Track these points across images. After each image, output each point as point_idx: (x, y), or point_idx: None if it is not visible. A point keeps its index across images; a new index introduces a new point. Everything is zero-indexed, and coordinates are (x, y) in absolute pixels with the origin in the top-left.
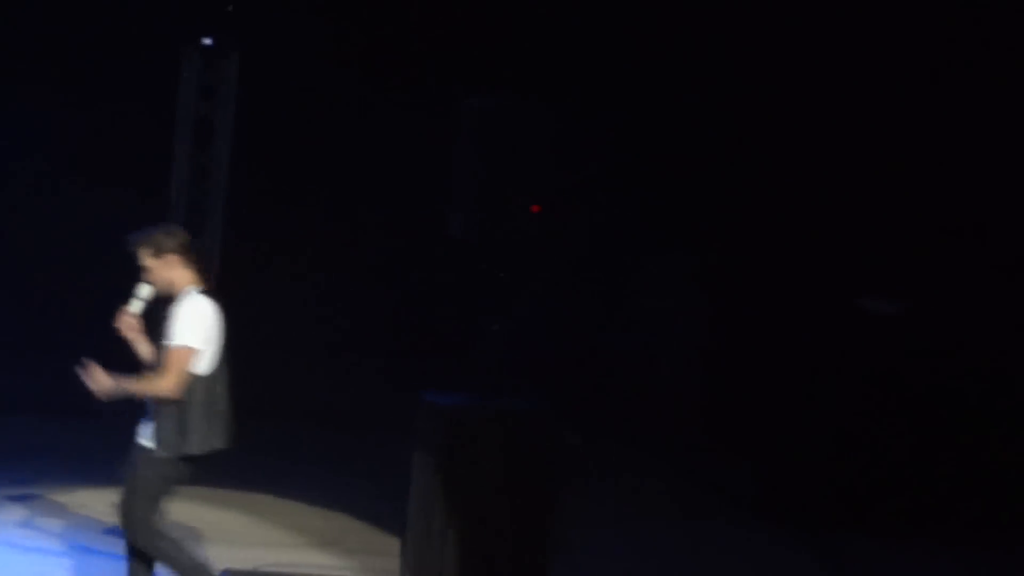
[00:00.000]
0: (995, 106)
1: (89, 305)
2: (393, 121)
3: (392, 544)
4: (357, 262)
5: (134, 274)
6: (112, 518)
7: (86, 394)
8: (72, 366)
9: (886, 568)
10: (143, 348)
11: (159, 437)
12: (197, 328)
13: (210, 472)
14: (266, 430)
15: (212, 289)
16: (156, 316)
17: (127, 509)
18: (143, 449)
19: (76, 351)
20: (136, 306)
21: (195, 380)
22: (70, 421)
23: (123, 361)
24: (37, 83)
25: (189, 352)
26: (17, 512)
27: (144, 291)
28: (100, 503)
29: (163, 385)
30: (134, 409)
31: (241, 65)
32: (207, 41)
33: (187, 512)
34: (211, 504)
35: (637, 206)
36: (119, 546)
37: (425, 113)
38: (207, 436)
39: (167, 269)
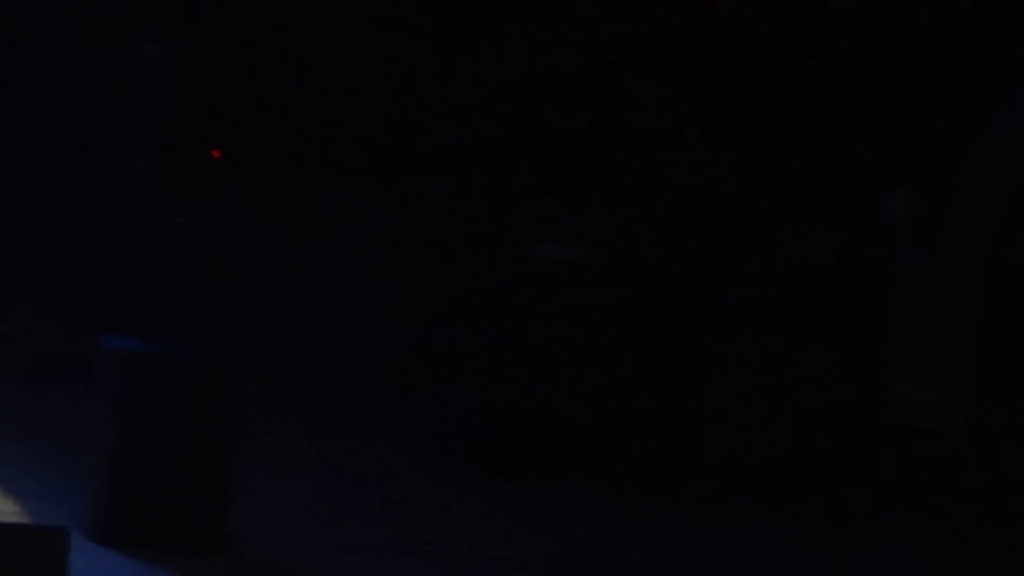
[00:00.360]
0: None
1: None
2: (68, 68)
3: (70, 490)
4: (35, 208)
5: None
6: None
7: None
8: None
9: (570, 515)
10: None
11: None
12: None
13: None
14: None
15: None
16: None
17: None
18: None
19: None
20: None
21: None
22: None
23: None
24: None
25: None
26: None
27: None
28: None
29: None
30: None
31: None
32: None
33: None
34: None
35: (319, 156)
36: None
37: (100, 60)
38: None
39: None
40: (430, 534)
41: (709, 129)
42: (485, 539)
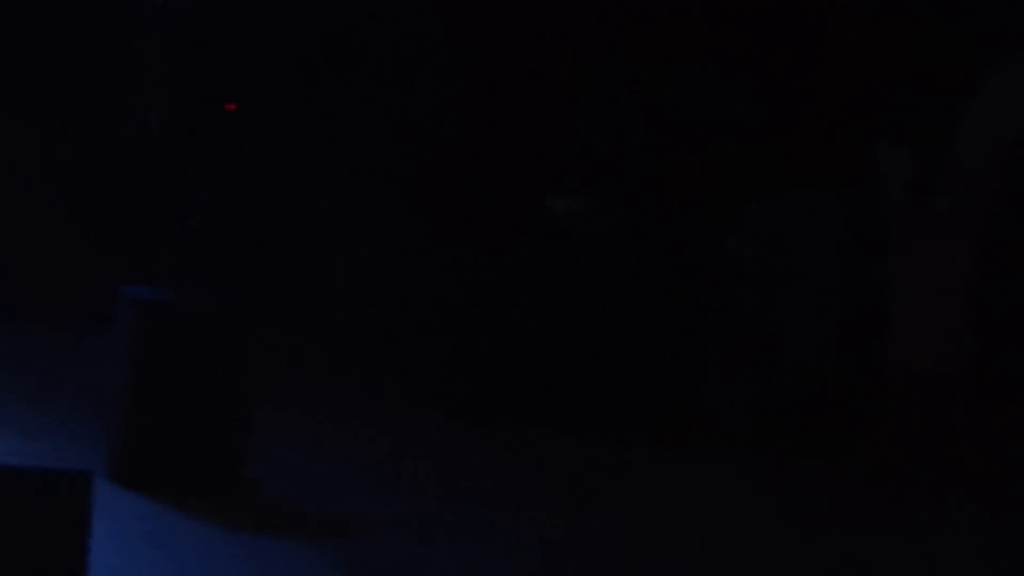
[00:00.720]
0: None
1: None
2: (86, 19)
3: (92, 435)
4: (66, 164)
5: None
6: None
7: None
8: None
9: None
10: None
11: None
12: None
13: None
14: None
15: None
16: None
17: None
18: None
19: None
20: None
21: None
22: None
23: None
24: None
25: None
26: None
27: None
28: None
29: None
30: None
31: None
32: None
33: None
34: None
35: (330, 108)
36: None
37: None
38: None
39: None
40: (439, 478)
41: (714, 91)
42: (490, 482)
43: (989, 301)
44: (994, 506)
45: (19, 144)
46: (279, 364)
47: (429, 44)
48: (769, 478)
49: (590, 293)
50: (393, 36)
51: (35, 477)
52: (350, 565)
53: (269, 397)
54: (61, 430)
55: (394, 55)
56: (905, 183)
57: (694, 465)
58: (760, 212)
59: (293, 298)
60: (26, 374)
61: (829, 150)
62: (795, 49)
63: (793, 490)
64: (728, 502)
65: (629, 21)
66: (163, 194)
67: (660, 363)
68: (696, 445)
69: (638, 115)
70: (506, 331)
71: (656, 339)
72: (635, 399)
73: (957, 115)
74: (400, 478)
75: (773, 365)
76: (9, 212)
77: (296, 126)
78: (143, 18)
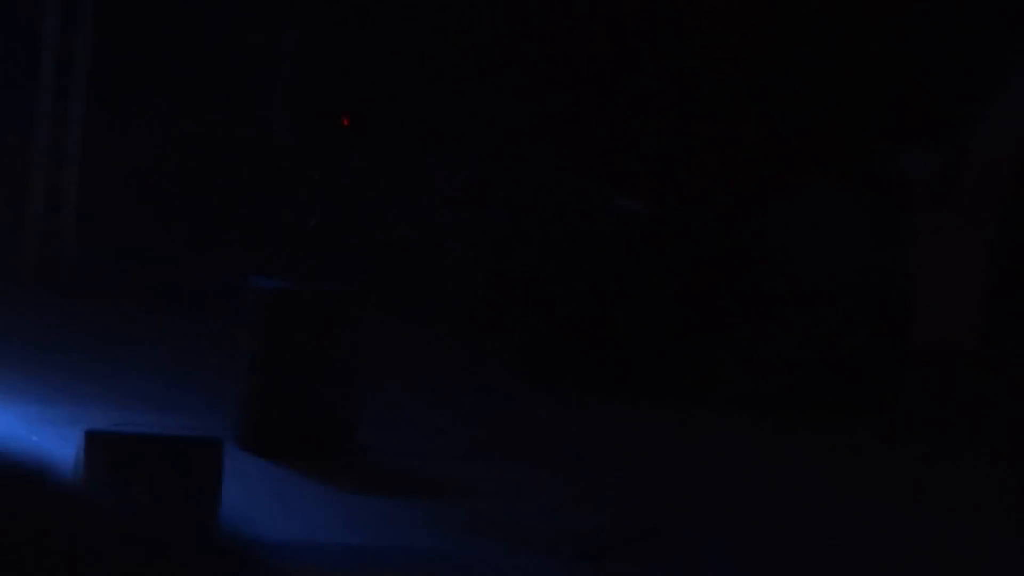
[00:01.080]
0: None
1: None
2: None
3: (216, 407)
4: (198, 166)
5: None
6: None
7: None
8: None
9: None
10: None
11: None
12: None
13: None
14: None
15: None
16: None
17: None
18: None
19: None
20: None
21: None
22: None
23: None
24: None
25: None
26: None
27: None
28: None
29: None
30: None
31: None
32: None
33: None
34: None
35: (432, 113)
36: None
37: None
38: None
39: None
40: (528, 445)
41: (749, 102)
42: (568, 448)
43: (1002, 285)
44: (1014, 468)
45: (154, 147)
46: (388, 344)
47: (518, 58)
48: (798, 445)
49: (649, 280)
50: (485, 48)
51: (173, 444)
52: (447, 522)
53: (379, 373)
54: (195, 403)
55: (488, 67)
56: (926, 178)
57: (739, 434)
58: (794, 205)
59: (399, 285)
60: (161, 355)
61: (856, 150)
62: (826, 60)
63: (823, 455)
64: (764, 469)
65: (676, 30)
66: (285, 194)
67: (704, 340)
68: (734, 416)
69: (687, 126)
70: (582, 313)
71: (701, 319)
72: (681, 373)
73: (976, 118)
74: (493, 445)
75: (804, 343)
76: (143, 209)
77: (398, 130)
78: (271, 39)
